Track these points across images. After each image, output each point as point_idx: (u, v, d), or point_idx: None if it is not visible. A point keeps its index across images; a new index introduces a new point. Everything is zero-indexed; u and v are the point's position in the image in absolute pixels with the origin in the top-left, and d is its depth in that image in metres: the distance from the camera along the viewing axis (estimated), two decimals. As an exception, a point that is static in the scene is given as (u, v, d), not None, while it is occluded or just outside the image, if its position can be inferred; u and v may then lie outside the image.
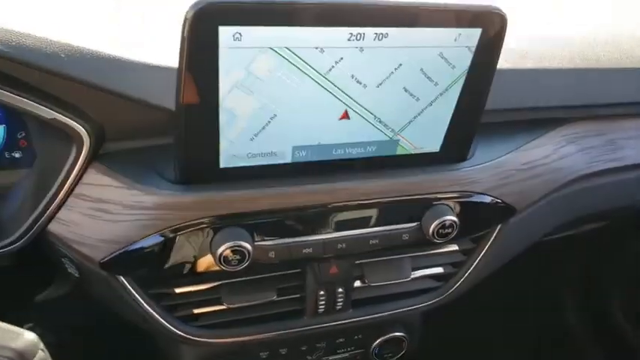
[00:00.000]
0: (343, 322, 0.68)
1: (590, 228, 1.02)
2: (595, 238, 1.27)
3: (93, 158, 0.54)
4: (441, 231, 0.59)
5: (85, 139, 0.52)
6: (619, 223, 1.02)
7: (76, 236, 0.54)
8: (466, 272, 0.70)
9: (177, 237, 0.53)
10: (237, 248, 0.53)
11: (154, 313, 0.60)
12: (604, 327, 1.37)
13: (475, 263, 0.69)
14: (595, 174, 0.71)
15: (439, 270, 0.69)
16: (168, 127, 0.51)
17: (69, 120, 0.50)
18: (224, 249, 0.53)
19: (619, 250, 1.26)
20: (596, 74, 0.69)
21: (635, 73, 0.70)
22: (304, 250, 0.57)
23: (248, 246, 0.53)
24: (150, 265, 0.55)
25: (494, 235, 0.68)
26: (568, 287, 1.44)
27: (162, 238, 0.53)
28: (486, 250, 0.69)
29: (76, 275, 0.60)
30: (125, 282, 0.57)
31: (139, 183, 0.52)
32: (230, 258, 0.53)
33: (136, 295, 0.58)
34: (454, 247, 0.69)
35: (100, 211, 0.53)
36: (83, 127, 0.51)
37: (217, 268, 0.56)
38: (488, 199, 0.62)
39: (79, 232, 0.54)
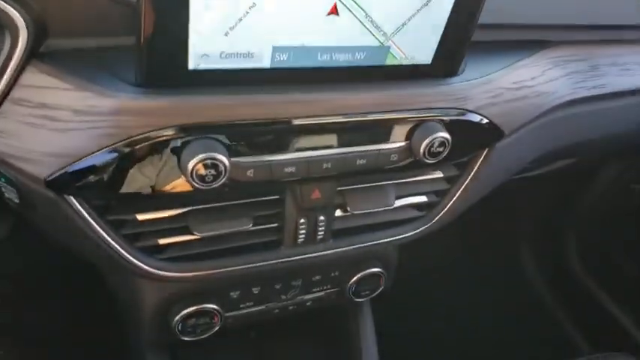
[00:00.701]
0: (323, 253, 0.63)
1: (558, 167, 1.03)
2: (559, 180, 1.30)
3: (32, 56, 0.45)
4: (432, 150, 0.55)
5: (21, 29, 0.43)
6: (586, 161, 1.03)
7: (14, 150, 0.46)
8: (449, 202, 0.67)
9: (140, 149, 0.46)
10: (211, 161, 0.46)
11: (113, 243, 0.52)
12: (560, 272, 1.43)
13: (459, 192, 0.66)
14: (578, 101, 0.70)
15: (422, 199, 0.66)
16: (130, 22, 0.43)
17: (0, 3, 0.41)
18: (196, 162, 0.46)
19: (580, 193, 1.29)
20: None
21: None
22: (286, 169, 0.52)
23: (224, 159, 0.47)
24: (107, 183, 0.47)
25: (480, 161, 0.65)
26: (527, 231, 1.49)
27: (122, 151, 0.46)
28: (471, 178, 0.66)
29: (16, 201, 0.51)
30: (78, 206, 0.49)
31: (92, 84, 0.44)
32: (203, 173, 0.47)
33: (91, 222, 0.50)
34: (438, 174, 0.65)
35: (44, 119, 0.45)
36: (19, 13, 0.42)
37: (186, 189, 0.49)
38: (478, 119, 0.59)
39: (19, 145, 0.46)
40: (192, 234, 0.55)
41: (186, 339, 0.69)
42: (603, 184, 1.26)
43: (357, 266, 0.75)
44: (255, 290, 0.71)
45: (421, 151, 0.55)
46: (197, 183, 0.47)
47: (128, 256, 0.54)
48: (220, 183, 0.48)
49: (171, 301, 0.66)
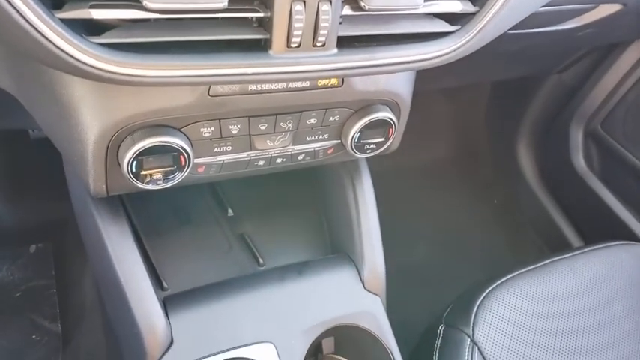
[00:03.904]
0: (322, 67, 0.47)
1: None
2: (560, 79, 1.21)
3: None
4: None
5: None
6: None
7: None
8: (490, 13, 0.51)
9: None
10: None
11: (23, 7, 0.35)
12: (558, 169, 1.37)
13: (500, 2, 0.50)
14: None
15: (457, 5, 0.50)
16: None
17: None
18: None
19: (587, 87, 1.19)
20: None
21: None
22: None
23: None
24: None
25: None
26: (525, 129, 1.42)
27: None
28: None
29: None
30: None
31: None
32: None
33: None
34: (480, -30, 0.49)
35: None
36: None
37: None
38: None
39: None
40: (142, 7, 0.39)
41: (141, 186, 0.54)
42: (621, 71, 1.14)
43: (363, 110, 0.60)
44: (234, 129, 0.56)
45: None
46: None
47: (49, 31, 0.37)
48: None
49: (122, 129, 0.51)
